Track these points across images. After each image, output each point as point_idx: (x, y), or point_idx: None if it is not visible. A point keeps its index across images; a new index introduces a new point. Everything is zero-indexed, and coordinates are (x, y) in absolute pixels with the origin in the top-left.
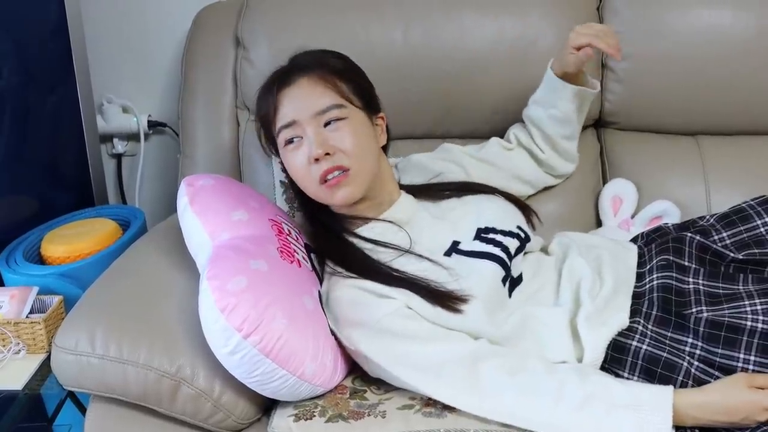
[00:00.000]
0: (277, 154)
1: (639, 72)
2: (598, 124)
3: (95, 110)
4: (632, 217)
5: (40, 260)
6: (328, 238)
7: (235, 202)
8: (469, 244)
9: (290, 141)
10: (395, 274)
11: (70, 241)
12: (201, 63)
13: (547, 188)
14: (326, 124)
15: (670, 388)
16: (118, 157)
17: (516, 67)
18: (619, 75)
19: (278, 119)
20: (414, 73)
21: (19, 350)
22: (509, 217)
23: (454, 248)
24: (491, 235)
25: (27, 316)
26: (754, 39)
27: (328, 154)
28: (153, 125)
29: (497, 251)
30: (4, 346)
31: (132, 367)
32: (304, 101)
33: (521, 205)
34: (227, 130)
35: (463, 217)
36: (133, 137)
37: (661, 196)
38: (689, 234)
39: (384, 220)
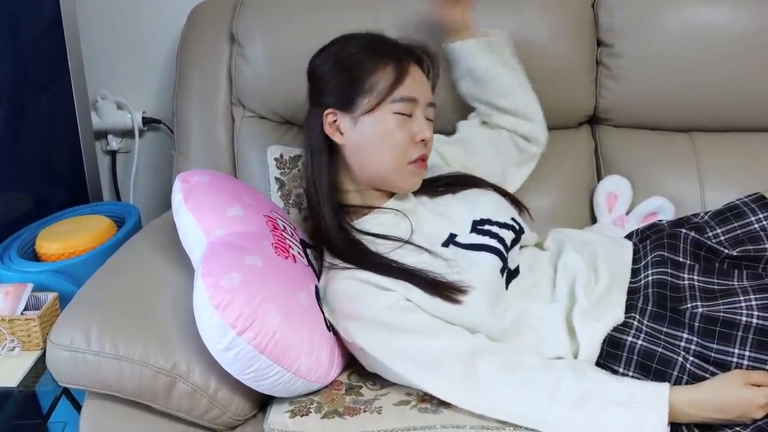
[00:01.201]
0: (332, 105)
1: (633, 69)
2: (592, 121)
3: (90, 107)
4: (627, 213)
5: (35, 257)
6: (328, 230)
7: (230, 199)
8: (466, 237)
9: (401, 113)
10: (394, 265)
11: (65, 237)
12: (196, 60)
13: (541, 184)
14: (427, 119)
15: (666, 385)
16: (113, 153)
17: None
18: (613, 72)
19: (403, 88)
20: None
21: (14, 347)
22: (503, 210)
23: (451, 240)
24: (487, 227)
25: (22, 313)
26: (748, 36)
27: (423, 143)
28: (147, 122)
29: (494, 243)
30: None
31: (127, 364)
32: (424, 87)
33: (513, 199)
34: (222, 127)
35: (459, 211)
36: (127, 134)
37: (656, 193)
38: (684, 230)
39: (389, 209)
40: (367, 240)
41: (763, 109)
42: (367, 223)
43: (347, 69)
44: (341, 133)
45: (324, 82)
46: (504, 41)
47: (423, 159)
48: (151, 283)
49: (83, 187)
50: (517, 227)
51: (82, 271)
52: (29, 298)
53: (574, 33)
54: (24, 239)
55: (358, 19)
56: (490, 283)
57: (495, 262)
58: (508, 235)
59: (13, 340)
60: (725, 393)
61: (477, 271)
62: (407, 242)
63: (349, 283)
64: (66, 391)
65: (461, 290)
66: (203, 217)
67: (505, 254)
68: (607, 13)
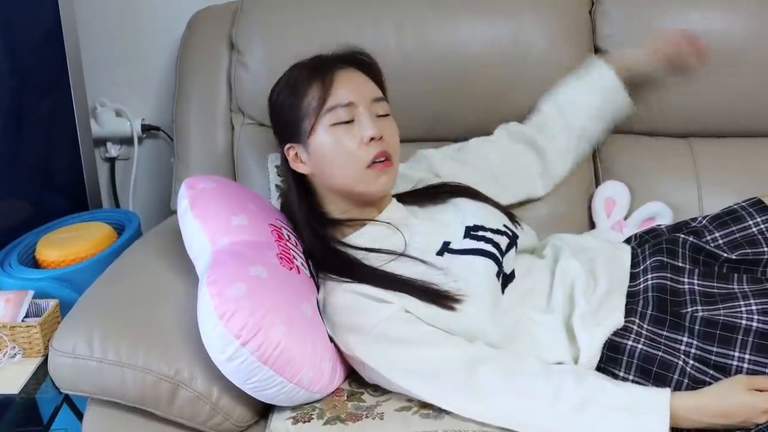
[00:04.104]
0: (287, 141)
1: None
2: None
3: (89, 114)
4: (625, 218)
5: (35, 264)
6: (320, 247)
7: (236, 206)
8: (460, 242)
9: (341, 122)
10: (390, 276)
11: (65, 244)
12: (195, 67)
13: None
14: (378, 116)
15: (668, 390)
16: (112, 161)
17: (509, 71)
18: None
19: (332, 98)
20: (407, 77)
21: (15, 354)
22: (494, 217)
23: (445, 248)
24: (481, 233)
25: (23, 320)
26: (744, 42)
27: (381, 138)
28: (147, 129)
29: (488, 247)
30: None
31: (130, 370)
32: (361, 86)
33: (503, 209)
34: (221, 134)
35: (452, 219)
36: (126, 141)
37: (654, 198)
38: (682, 235)
39: (380, 222)
40: (360, 255)
41: (761, 115)
42: (359, 237)
43: (288, 99)
44: (304, 164)
45: (277, 117)
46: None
47: (384, 157)
48: (153, 290)
49: (83, 194)
50: (510, 233)
51: (83, 278)
52: (30, 305)
53: (572, 40)
54: (24, 246)
55: (358, 25)
56: (487, 287)
57: (490, 265)
58: (502, 240)
59: (14, 347)
60: (728, 398)
61: (473, 276)
62: (402, 255)
63: (347, 297)
64: (67, 399)
65: (456, 298)
66: (209, 224)
67: (500, 258)
68: (604, 19)
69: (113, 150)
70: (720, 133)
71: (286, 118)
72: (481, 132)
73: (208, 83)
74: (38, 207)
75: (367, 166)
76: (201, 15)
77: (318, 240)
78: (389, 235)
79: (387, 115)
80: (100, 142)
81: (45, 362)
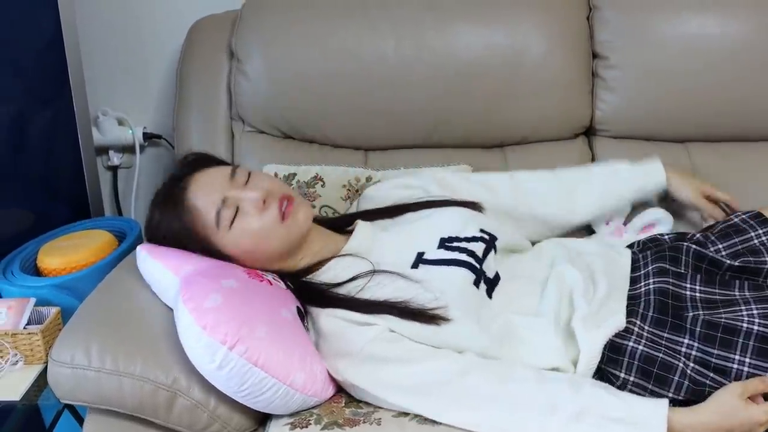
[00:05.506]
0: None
1: (629, 80)
2: (588, 132)
3: (91, 123)
4: (624, 224)
5: (37, 272)
6: (298, 288)
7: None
8: (434, 253)
9: (233, 218)
10: (368, 303)
11: (66, 252)
12: (195, 75)
13: None
14: (245, 184)
15: (665, 402)
16: (114, 169)
17: (507, 76)
18: (609, 83)
19: (206, 214)
20: (405, 84)
21: (17, 361)
22: (470, 223)
23: (419, 259)
24: (455, 244)
25: (24, 328)
26: (741, 47)
27: (267, 192)
28: (148, 137)
29: (464, 257)
30: (1, 357)
31: (128, 379)
32: (213, 181)
33: (476, 207)
34: (222, 142)
35: (424, 229)
36: (128, 149)
37: (653, 204)
38: (686, 243)
39: (345, 255)
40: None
41: (759, 119)
42: (328, 271)
43: (183, 231)
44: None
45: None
46: None
47: (284, 201)
48: (151, 299)
49: (85, 203)
50: (488, 237)
51: (84, 286)
52: (32, 312)
53: (569, 45)
54: (26, 254)
55: (357, 33)
56: (464, 296)
57: (466, 275)
58: (478, 247)
59: (16, 354)
60: (729, 416)
61: (450, 287)
62: (376, 272)
63: (330, 322)
64: (68, 405)
65: (442, 317)
66: (170, 261)
67: (478, 266)
68: (602, 25)
69: (115, 158)
70: (718, 138)
71: (198, 246)
72: (480, 136)
73: (208, 91)
74: (40, 215)
75: (280, 221)
76: (201, 24)
77: (294, 285)
78: (359, 260)
79: (249, 174)
80: (102, 150)
81: (46, 369)
